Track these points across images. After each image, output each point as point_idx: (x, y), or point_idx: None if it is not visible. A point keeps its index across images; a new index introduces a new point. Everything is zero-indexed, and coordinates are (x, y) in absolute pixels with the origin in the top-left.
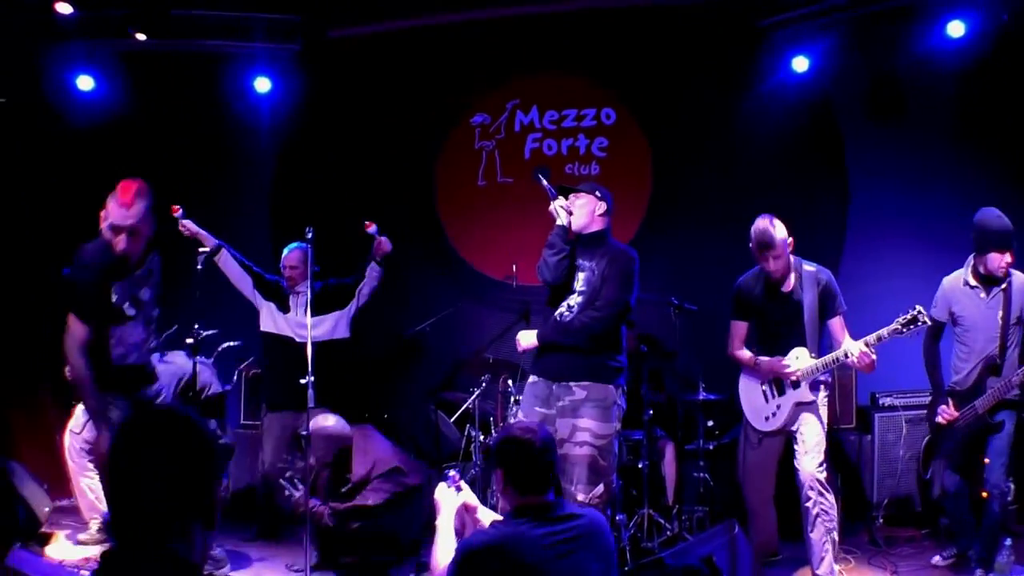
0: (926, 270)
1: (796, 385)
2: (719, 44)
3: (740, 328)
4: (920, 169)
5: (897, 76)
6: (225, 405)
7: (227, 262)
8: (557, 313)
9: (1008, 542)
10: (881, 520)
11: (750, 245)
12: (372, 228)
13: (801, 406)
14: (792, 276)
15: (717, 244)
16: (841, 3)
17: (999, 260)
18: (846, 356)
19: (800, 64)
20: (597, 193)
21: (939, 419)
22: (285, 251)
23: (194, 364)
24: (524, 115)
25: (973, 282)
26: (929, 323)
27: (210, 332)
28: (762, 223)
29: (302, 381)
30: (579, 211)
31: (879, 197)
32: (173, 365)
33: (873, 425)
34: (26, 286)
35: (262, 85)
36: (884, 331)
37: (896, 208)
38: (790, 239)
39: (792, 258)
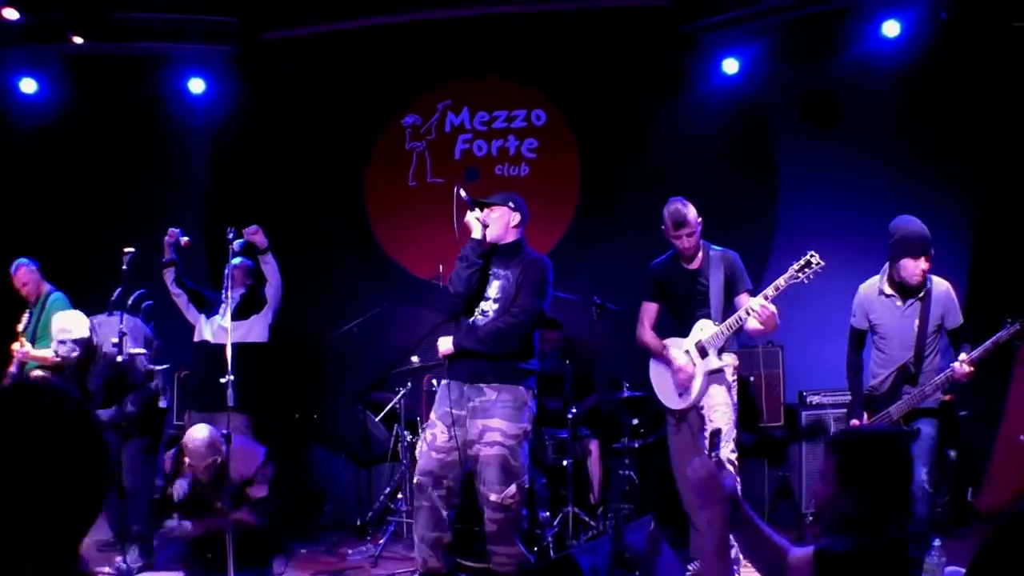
0: (855, 270)
1: (704, 354)
2: (649, 47)
3: (650, 309)
4: (851, 172)
5: (830, 79)
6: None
7: (170, 280)
8: (471, 319)
9: (937, 542)
10: (811, 518)
11: (662, 227)
12: (251, 232)
13: (712, 376)
14: (700, 255)
15: (645, 245)
16: (773, 6)
17: (913, 267)
18: (748, 314)
19: (731, 67)
20: (511, 204)
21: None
22: (235, 260)
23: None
24: (455, 116)
25: (888, 291)
26: (823, 264)
27: (139, 291)
28: (675, 204)
29: (221, 380)
30: (494, 224)
31: (809, 199)
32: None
33: (801, 423)
34: None
35: (196, 86)
36: (781, 280)
37: (826, 211)
38: (699, 219)
39: (700, 241)
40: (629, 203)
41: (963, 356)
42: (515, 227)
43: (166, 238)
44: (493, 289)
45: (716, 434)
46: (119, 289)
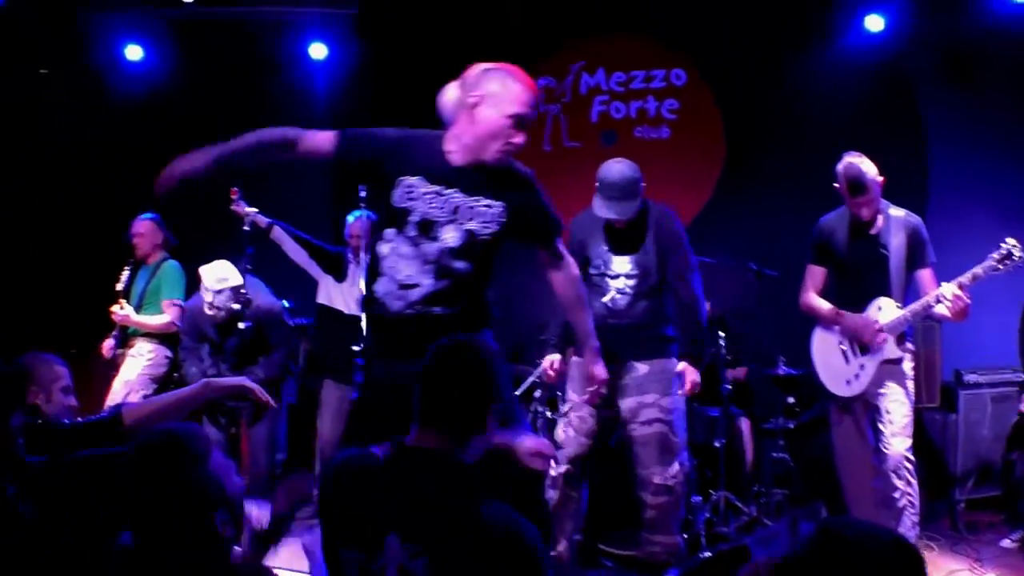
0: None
1: None
2: (791, 2)
3: (817, 273)
4: (1005, 135)
5: (978, 37)
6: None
7: (281, 237)
8: (608, 299)
9: None
10: (963, 504)
11: (836, 185)
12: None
13: (887, 366)
14: (879, 219)
15: (792, 208)
16: None
17: None
18: (938, 300)
19: (874, 23)
20: (642, 186)
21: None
22: (350, 218)
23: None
24: (590, 77)
25: None
26: None
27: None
28: (854, 162)
29: (355, 348)
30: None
31: (962, 165)
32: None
33: (958, 404)
34: (70, 262)
35: (317, 51)
36: (979, 268)
37: (980, 176)
38: (880, 179)
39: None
40: (775, 163)
41: None
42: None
43: (239, 214)
44: (622, 264)
45: None
46: (250, 249)
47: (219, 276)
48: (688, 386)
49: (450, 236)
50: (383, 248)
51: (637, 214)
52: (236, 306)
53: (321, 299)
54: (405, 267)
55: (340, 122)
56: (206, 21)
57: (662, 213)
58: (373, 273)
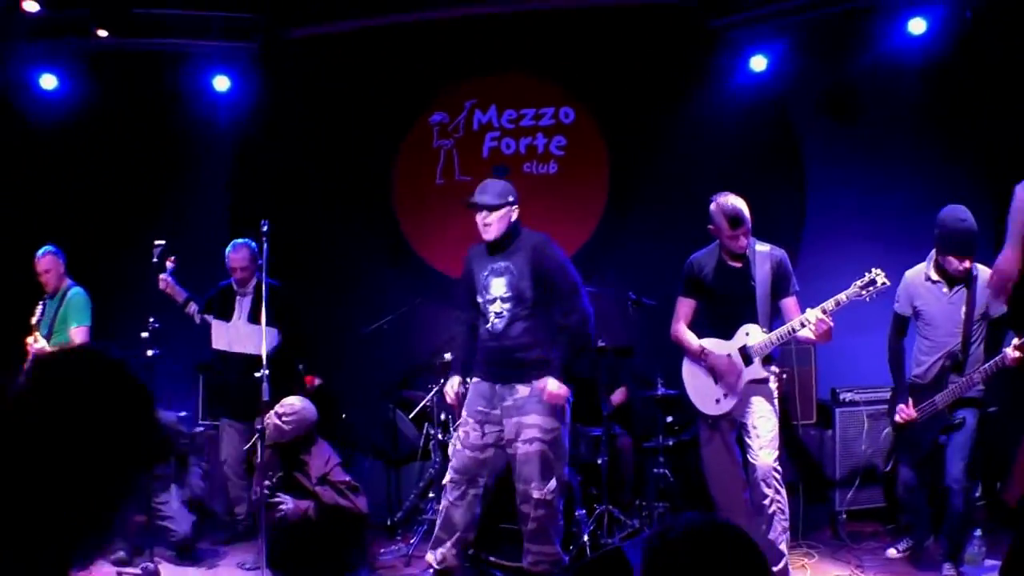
0: (883, 264)
1: (748, 361)
2: (677, 43)
3: (686, 306)
4: (878, 168)
5: (856, 76)
6: None
7: (194, 312)
8: (489, 324)
9: (978, 532)
10: (844, 515)
11: (712, 226)
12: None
13: (753, 385)
14: (747, 253)
15: (674, 240)
16: (800, 4)
17: (958, 264)
18: (802, 325)
19: (758, 64)
20: (510, 198)
21: (897, 418)
22: (229, 249)
23: None
24: (483, 114)
25: (935, 277)
26: (888, 283)
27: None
28: (733, 199)
29: (256, 374)
30: (497, 224)
31: (836, 197)
32: None
33: (834, 420)
34: None
35: (221, 83)
36: (843, 295)
37: (854, 208)
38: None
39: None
40: (658, 198)
41: (1015, 341)
42: (514, 216)
43: (162, 287)
44: (498, 287)
45: None
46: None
47: None
48: (545, 396)
49: None
50: None
51: (506, 233)
52: None
53: (215, 344)
54: None
55: (241, 151)
56: (117, 51)
57: (538, 238)
58: None
